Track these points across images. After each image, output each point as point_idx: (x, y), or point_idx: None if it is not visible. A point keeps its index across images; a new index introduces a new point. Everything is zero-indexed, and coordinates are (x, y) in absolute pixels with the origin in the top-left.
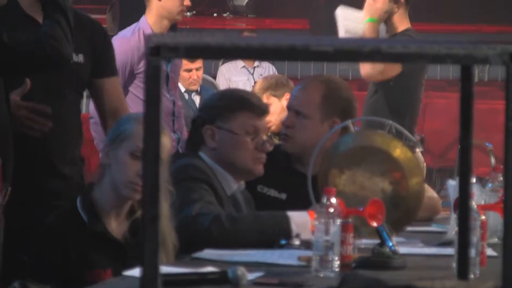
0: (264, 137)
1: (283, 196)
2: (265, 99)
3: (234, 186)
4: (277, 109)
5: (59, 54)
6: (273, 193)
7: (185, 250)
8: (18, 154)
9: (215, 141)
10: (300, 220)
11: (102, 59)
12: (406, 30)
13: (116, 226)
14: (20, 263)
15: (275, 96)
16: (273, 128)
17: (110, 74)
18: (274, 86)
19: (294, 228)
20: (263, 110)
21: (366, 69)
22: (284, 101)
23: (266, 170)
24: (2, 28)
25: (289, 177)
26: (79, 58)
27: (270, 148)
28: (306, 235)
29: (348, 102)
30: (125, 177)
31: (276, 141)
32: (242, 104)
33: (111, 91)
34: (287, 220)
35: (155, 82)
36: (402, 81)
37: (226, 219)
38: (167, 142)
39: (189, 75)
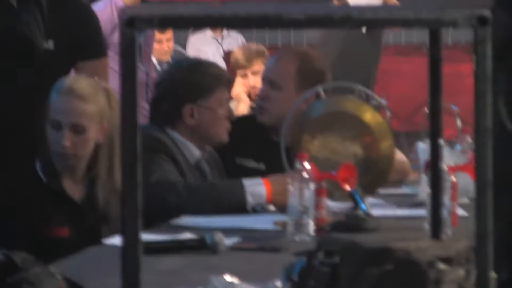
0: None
1: (262, 166)
2: (258, 65)
3: (197, 154)
4: None
5: (31, 43)
6: (252, 164)
7: (146, 220)
8: None
9: (194, 119)
10: (256, 190)
11: (80, 41)
12: None
13: (73, 187)
14: None
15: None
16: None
17: (92, 56)
18: (264, 53)
19: (250, 198)
20: (231, 81)
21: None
22: None
23: (243, 141)
24: None
25: (267, 148)
26: (48, 44)
27: (233, 116)
28: (263, 204)
29: (322, 74)
30: (51, 145)
31: None
32: (219, 80)
33: (88, 73)
34: (242, 189)
35: (131, 54)
36: (361, 47)
37: (183, 188)
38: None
39: (160, 45)
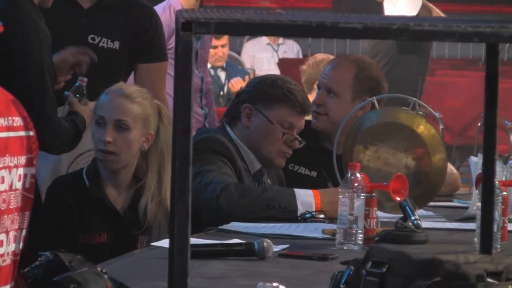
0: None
1: (314, 174)
2: None
3: (257, 165)
4: None
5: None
6: (303, 171)
7: (197, 220)
8: None
9: (250, 121)
10: (306, 199)
11: (143, 44)
12: None
13: (116, 196)
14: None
15: None
16: None
17: (152, 59)
18: None
19: (300, 206)
20: (305, 109)
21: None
22: None
23: (296, 148)
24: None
25: (319, 155)
26: (114, 45)
27: (298, 146)
28: (312, 213)
29: (378, 82)
30: (94, 144)
31: None
32: (288, 98)
33: (145, 76)
34: (293, 197)
35: (186, 58)
36: (410, 59)
37: (235, 189)
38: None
39: (215, 51)
